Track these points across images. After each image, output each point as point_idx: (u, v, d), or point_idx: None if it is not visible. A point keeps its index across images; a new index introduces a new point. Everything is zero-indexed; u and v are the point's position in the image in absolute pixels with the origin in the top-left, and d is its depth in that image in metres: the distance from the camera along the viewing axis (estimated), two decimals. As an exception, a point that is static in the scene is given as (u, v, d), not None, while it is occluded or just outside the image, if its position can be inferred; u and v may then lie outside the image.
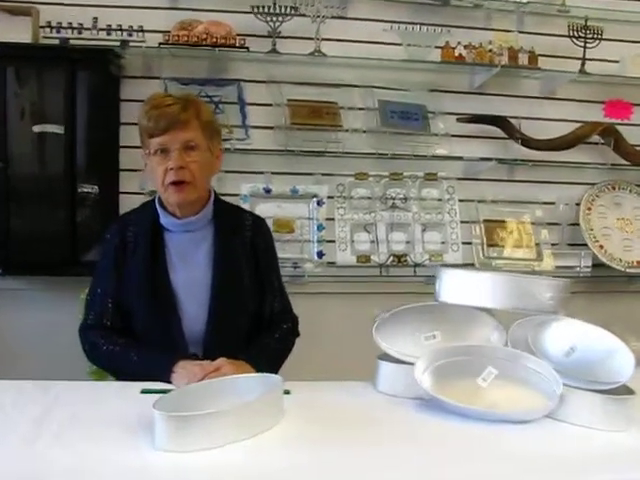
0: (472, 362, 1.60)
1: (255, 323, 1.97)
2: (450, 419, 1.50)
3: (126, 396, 1.63)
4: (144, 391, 1.66)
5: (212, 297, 1.89)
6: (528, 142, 3.09)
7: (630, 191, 3.29)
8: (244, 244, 1.98)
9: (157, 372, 1.74)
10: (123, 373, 1.87)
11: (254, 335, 1.96)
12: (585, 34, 3.06)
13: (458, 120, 3.07)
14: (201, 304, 1.88)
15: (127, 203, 2.64)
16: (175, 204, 1.88)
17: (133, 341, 1.88)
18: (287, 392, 1.59)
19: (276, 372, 1.83)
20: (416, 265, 2.99)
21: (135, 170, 2.76)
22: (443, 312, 1.74)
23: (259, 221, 2.07)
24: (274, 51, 2.88)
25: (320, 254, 2.95)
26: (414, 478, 1.24)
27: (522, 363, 1.58)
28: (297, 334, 2.06)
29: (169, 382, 1.72)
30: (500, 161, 3.08)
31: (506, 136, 3.11)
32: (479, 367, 1.59)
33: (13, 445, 1.30)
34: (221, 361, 1.73)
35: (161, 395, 1.43)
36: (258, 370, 1.71)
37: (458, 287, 1.71)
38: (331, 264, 2.96)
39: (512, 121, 3.10)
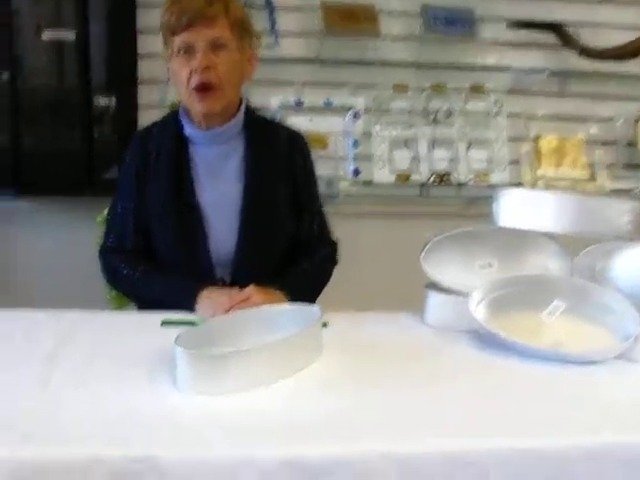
0: (535, 294, 1.44)
1: (290, 248, 1.82)
2: (508, 357, 1.36)
3: (146, 328, 1.51)
4: (165, 322, 1.53)
5: (242, 216, 1.74)
6: (587, 51, 2.84)
7: (696, 105, 3.04)
8: (279, 159, 1.80)
9: (180, 300, 1.62)
10: (144, 300, 1.77)
11: (289, 261, 1.81)
12: None
13: (508, 26, 2.82)
14: (230, 223, 1.74)
15: (147, 117, 2.48)
16: (200, 113, 1.71)
17: (155, 266, 1.75)
18: (324, 324, 1.45)
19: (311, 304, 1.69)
20: (459, 185, 2.82)
21: (155, 82, 2.59)
22: (499, 237, 1.58)
23: (296, 135, 1.88)
24: (305, -54, 2.65)
25: (356, 172, 2.80)
26: (469, 423, 1.10)
27: (594, 297, 1.42)
28: (336, 261, 1.90)
29: (193, 311, 1.60)
30: (553, 72, 2.86)
31: (561, 44, 2.86)
32: (543, 300, 1.43)
33: (24, 385, 1.19)
34: (251, 289, 1.59)
35: (183, 329, 1.29)
36: (292, 300, 1.57)
37: (518, 209, 1.54)
38: (368, 183, 2.80)
39: (569, 27, 2.84)
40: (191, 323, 1.50)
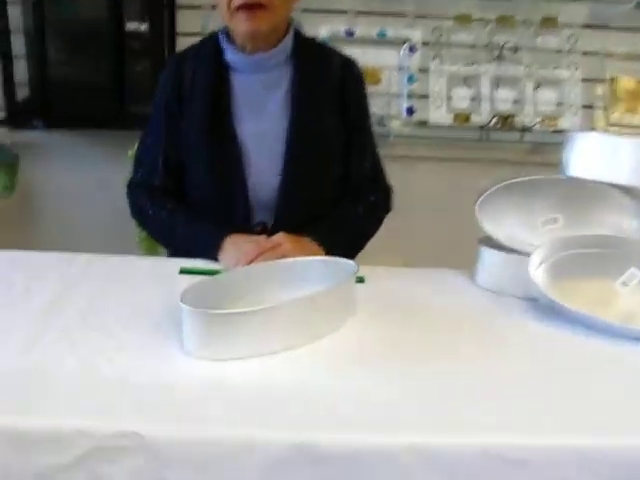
0: (606, 259, 1.26)
1: (340, 190, 1.65)
2: (571, 330, 1.18)
3: (161, 276, 1.37)
4: (183, 271, 1.40)
5: (287, 152, 1.56)
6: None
7: None
8: (330, 89, 1.61)
9: (202, 247, 1.48)
10: (170, 245, 1.64)
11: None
12: None
13: (588, -51, 2.55)
14: (273, 160, 1.56)
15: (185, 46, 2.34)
16: (245, 34, 1.52)
17: (183, 207, 1.60)
18: (361, 280, 1.31)
19: (353, 256, 1.53)
20: (524, 129, 2.58)
21: (196, 6, 2.42)
22: (567, 189, 1.38)
23: (351, 63, 1.68)
24: None
25: (410, 111, 2.58)
26: (518, 413, 0.94)
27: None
28: (389, 209, 1.72)
29: (217, 260, 1.46)
30: (639, 5, 2.55)
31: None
32: (615, 266, 1.25)
33: (12, 342, 1.07)
34: (280, 237, 1.43)
35: (195, 281, 1.15)
36: (330, 251, 1.41)
37: (592, 157, 1.33)
38: (422, 123, 2.59)
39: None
40: (212, 272, 1.36)
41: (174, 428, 0.87)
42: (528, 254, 1.29)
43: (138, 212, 1.66)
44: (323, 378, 1.01)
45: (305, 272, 1.25)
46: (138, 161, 1.69)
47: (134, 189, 1.67)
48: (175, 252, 1.62)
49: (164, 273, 1.39)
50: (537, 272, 1.26)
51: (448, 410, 0.93)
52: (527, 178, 1.37)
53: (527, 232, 1.36)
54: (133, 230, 1.99)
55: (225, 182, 1.57)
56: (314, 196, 1.60)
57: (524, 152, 2.57)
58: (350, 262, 1.23)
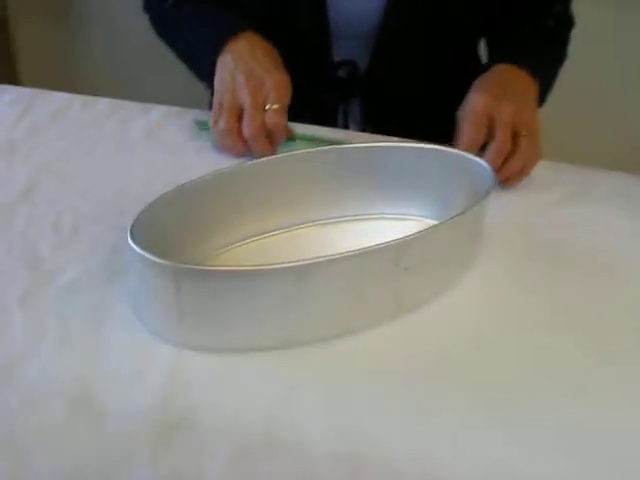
0: None
1: (498, 15, 1.05)
2: None
3: (167, 144, 0.86)
4: (198, 125, 0.89)
5: None
6: None
7: None
8: None
9: (203, 48, 0.92)
10: (177, 52, 1.04)
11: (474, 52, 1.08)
12: None
13: None
14: None
15: None
16: None
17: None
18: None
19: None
20: None
21: None
22: None
23: None
24: None
25: None
26: None
27: None
28: (573, 22, 1.07)
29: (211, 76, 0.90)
30: None
31: None
32: None
33: None
34: None
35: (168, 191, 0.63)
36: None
37: None
38: None
39: None
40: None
41: None
42: None
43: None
44: (408, 406, 0.54)
45: (393, 171, 0.72)
46: None
47: None
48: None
49: (174, 137, 0.87)
50: None
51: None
52: None
53: None
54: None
55: None
56: (450, 21, 1.01)
57: None
58: (483, 163, 0.68)
